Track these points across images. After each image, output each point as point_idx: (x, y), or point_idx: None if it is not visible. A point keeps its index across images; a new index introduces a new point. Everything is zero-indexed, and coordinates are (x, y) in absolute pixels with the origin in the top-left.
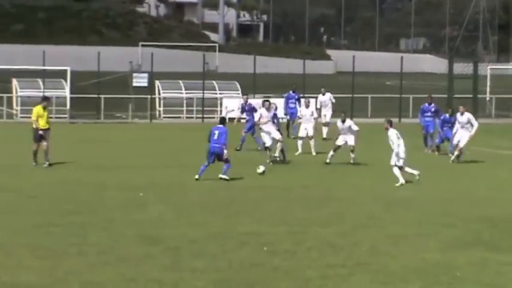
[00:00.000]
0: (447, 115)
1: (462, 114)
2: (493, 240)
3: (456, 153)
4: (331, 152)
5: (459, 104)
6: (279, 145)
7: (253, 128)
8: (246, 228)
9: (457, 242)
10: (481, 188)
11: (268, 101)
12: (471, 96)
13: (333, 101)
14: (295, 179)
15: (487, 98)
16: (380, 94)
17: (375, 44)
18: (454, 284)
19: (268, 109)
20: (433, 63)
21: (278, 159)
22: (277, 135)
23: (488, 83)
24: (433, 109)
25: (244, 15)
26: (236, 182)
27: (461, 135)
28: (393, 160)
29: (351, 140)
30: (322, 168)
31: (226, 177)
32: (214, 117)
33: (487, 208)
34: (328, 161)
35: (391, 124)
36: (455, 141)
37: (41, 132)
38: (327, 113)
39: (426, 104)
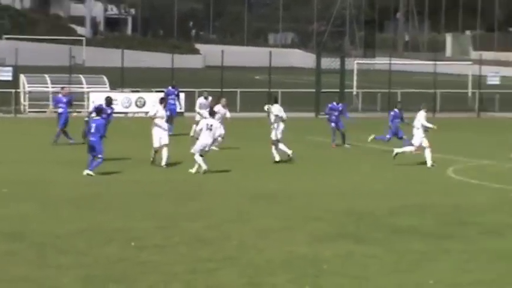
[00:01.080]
0: (396, 110)
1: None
2: (358, 233)
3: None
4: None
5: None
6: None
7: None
8: (114, 223)
9: (323, 235)
10: (347, 181)
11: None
12: (338, 90)
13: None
14: (165, 174)
15: (354, 93)
16: (249, 88)
17: (243, 38)
18: (320, 277)
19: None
20: (302, 58)
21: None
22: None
23: (355, 78)
24: (340, 108)
25: (111, 9)
26: (104, 177)
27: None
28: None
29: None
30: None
31: (92, 173)
32: (81, 112)
33: (353, 201)
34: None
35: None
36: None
37: None
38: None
39: (334, 103)
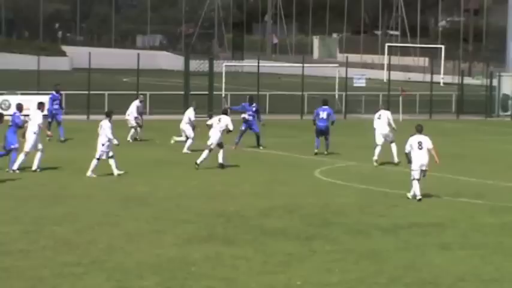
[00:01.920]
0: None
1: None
2: (227, 235)
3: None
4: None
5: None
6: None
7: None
8: None
9: (192, 238)
10: (216, 183)
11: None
12: (207, 93)
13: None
14: (32, 178)
15: (223, 95)
16: (117, 91)
17: (111, 40)
18: (189, 279)
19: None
20: (170, 60)
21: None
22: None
23: (223, 80)
24: (254, 109)
25: None
26: None
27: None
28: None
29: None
30: (64, 165)
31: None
32: None
33: (222, 203)
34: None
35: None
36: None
37: None
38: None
39: (247, 104)
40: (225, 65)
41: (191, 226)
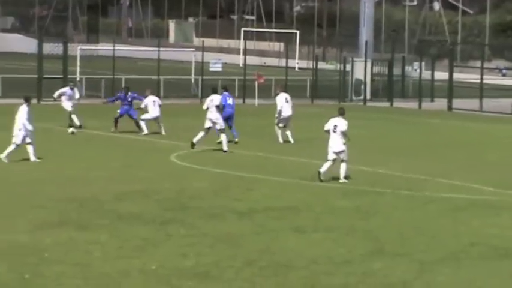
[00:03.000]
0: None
1: None
2: (80, 220)
3: None
4: None
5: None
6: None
7: None
8: None
9: (44, 223)
10: (69, 168)
11: None
12: (62, 76)
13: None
14: None
15: (77, 78)
16: None
17: None
18: (41, 265)
19: None
20: (22, 43)
21: None
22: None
23: (78, 64)
24: (130, 99)
25: None
26: None
27: None
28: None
29: None
30: None
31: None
32: None
33: (76, 188)
34: None
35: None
36: None
37: None
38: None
39: (123, 94)
40: (80, 49)
41: (43, 211)
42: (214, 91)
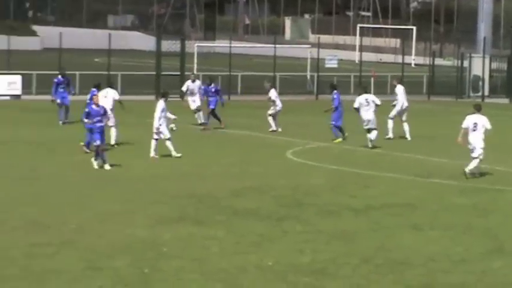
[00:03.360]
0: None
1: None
2: (198, 216)
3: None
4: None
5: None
6: None
7: None
8: None
9: (163, 218)
10: (187, 165)
11: None
12: (179, 73)
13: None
14: (2, 157)
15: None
16: (88, 71)
17: (82, 20)
18: (160, 260)
19: None
20: (142, 41)
21: None
22: None
23: (195, 61)
24: (213, 89)
25: None
26: None
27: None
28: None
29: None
30: (36, 146)
31: None
32: None
33: (194, 184)
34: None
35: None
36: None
37: None
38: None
39: (207, 86)
40: (197, 46)
41: (162, 207)
42: (365, 91)
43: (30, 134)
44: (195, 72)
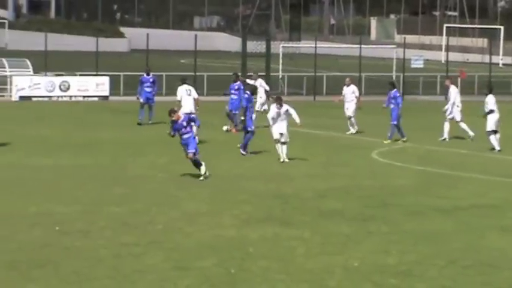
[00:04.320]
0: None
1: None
2: (284, 216)
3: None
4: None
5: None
6: None
7: None
8: (38, 208)
9: (250, 218)
10: (273, 165)
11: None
12: (264, 74)
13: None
14: (90, 158)
15: (280, 76)
16: (174, 72)
17: (169, 21)
18: (247, 260)
19: None
20: (227, 42)
21: None
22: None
23: (280, 61)
24: (236, 87)
25: None
26: (26, 160)
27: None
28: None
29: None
30: (124, 147)
31: None
32: (3, 96)
33: (279, 184)
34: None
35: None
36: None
37: None
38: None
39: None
40: (282, 46)
41: (248, 207)
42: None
43: (118, 134)
44: (281, 72)
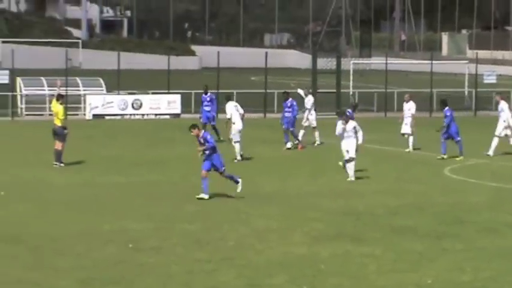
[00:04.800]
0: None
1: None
2: (356, 233)
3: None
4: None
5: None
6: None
7: None
8: (111, 225)
9: (321, 235)
10: (343, 181)
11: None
12: (335, 90)
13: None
14: (162, 176)
15: (350, 93)
16: (245, 89)
17: (239, 39)
18: (318, 277)
19: None
20: (298, 59)
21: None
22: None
23: (351, 78)
24: (288, 104)
25: (107, 11)
26: (100, 179)
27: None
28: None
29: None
30: (195, 164)
31: None
32: (77, 114)
33: (350, 201)
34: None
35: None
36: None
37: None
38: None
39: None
40: (353, 63)
41: (319, 224)
42: None
43: (189, 152)
44: (352, 89)
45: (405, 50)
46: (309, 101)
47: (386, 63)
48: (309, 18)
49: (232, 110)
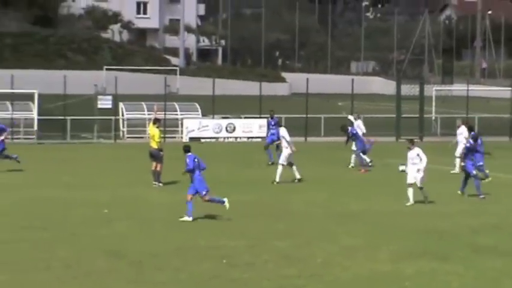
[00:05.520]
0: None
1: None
2: (440, 251)
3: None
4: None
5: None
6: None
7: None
8: (207, 241)
9: (406, 253)
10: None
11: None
12: (418, 116)
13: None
14: (254, 195)
15: (433, 118)
16: (332, 114)
17: (327, 66)
18: None
19: None
20: (382, 85)
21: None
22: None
23: (433, 104)
24: (354, 131)
25: (203, 40)
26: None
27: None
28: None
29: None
30: (278, 185)
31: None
32: (175, 137)
33: (435, 221)
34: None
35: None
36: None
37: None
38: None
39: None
40: (435, 89)
41: (404, 242)
42: None
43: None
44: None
45: (486, 77)
46: (360, 124)
47: (467, 90)
48: (394, 47)
49: (285, 134)
